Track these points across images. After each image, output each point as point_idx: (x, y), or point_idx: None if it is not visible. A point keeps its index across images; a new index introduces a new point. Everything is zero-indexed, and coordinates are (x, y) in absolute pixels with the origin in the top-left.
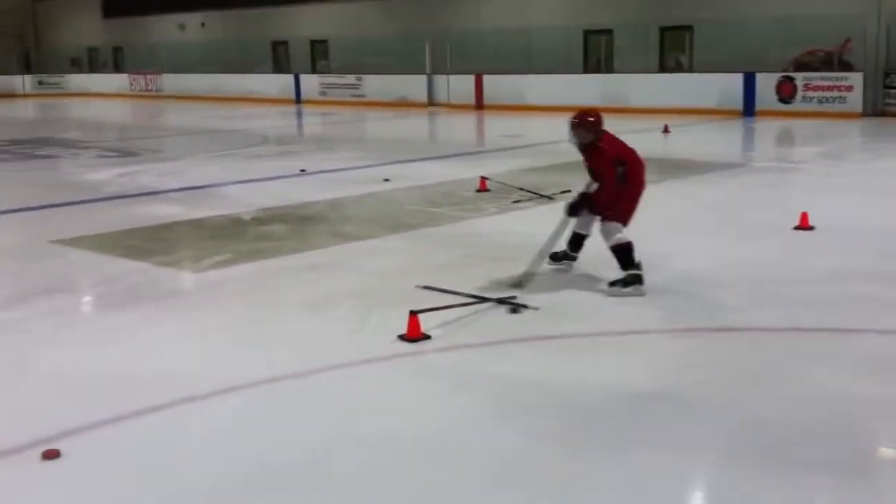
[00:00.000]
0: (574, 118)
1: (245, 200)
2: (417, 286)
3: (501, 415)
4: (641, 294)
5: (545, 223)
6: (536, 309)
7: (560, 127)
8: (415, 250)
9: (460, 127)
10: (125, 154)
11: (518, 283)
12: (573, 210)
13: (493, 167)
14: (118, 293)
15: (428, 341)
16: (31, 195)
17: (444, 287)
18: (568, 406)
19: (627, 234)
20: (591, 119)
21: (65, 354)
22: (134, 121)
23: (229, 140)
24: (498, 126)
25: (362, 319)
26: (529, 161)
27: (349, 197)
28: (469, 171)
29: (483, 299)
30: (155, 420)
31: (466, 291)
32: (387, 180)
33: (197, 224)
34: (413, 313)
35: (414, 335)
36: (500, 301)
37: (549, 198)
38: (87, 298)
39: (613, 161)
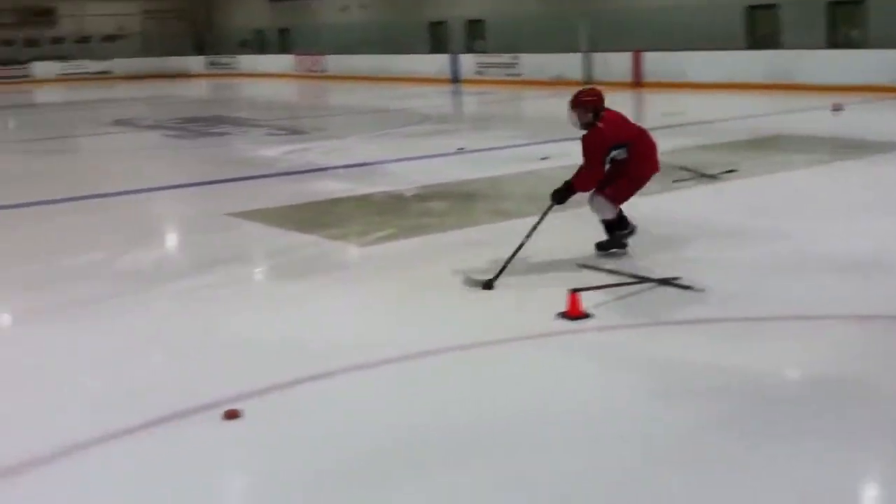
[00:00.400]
0: (572, 98)
1: (407, 177)
2: (578, 265)
3: (665, 397)
4: (621, 254)
5: (707, 203)
6: (702, 291)
7: (724, 105)
8: (574, 229)
9: (618, 105)
10: (293, 132)
11: (489, 284)
12: (558, 196)
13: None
14: (291, 264)
15: (588, 320)
16: (207, 171)
17: (604, 266)
18: (735, 391)
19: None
20: (590, 98)
21: (244, 320)
22: (300, 100)
23: (390, 119)
24: (657, 103)
25: (523, 296)
26: (691, 140)
27: (508, 175)
28: None
29: (644, 279)
30: (328, 385)
31: (627, 271)
32: (545, 158)
33: (362, 200)
34: (573, 291)
35: (574, 313)
36: (663, 282)
37: (713, 177)
38: (262, 269)
39: (606, 145)
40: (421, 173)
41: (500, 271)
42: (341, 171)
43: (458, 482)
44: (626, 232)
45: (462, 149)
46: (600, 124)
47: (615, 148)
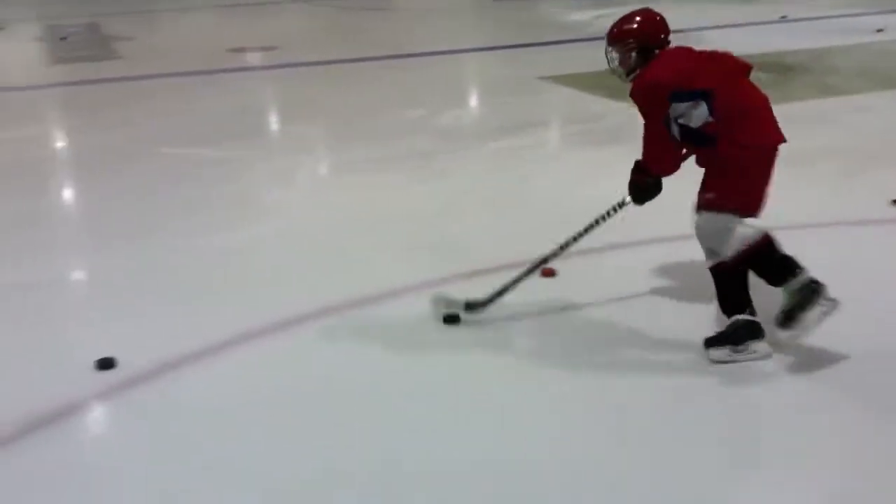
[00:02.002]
0: (608, 30)
1: (725, 46)
2: None
3: None
4: (766, 356)
5: None
6: None
7: None
8: None
9: None
10: None
11: (472, 306)
12: (636, 191)
13: None
14: (602, 131)
15: None
16: (518, 33)
17: None
18: None
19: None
20: (632, 28)
21: (555, 183)
22: None
23: None
24: None
25: (849, 179)
26: None
27: (835, 47)
28: None
29: None
30: (633, 254)
31: None
32: (880, 30)
33: None
34: None
35: None
36: None
37: None
38: (574, 133)
39: (659, 92)
40: (739, 42)
41: (499, 293)
42: None
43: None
44: (749, 318)
45: (785, 17)
46: (654, 63)
47: (679, 98)
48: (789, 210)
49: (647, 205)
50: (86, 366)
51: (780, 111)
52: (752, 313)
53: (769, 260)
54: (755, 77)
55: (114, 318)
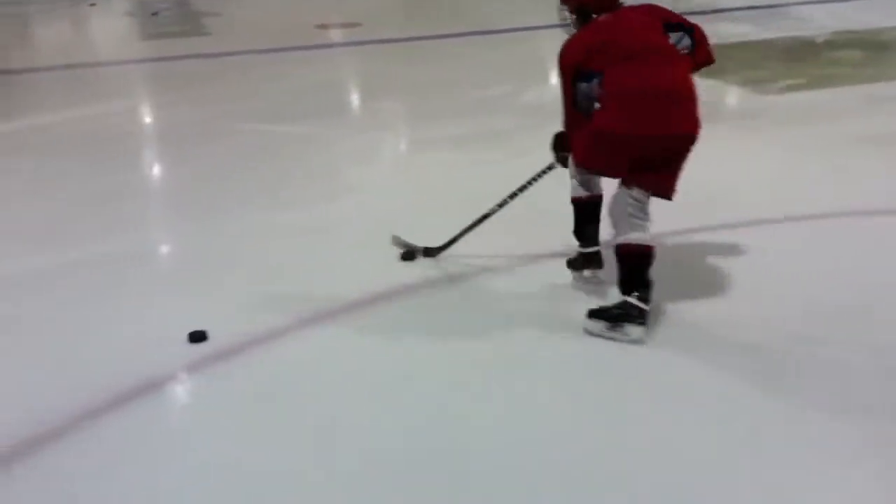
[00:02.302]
0: None
1: (817, 22)
2: None
3: None
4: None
5: None
6: None
7: None
8: None
9: None
10: None
11: (429, 252)
12: (558, 148)
13: None
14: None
15: None
16: None
17: None
18: None
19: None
20: None
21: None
22: None
23: None
24: None
25: None
26: None
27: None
28: None
29: None
30: (750, 232)
31: None
32: None
33: (766, 44)
34: None
35: None
36: None
37: None
38: None
39: (568, 62)
40: (833, 17)
41: (453, 240)
42: (741, 13)
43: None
44: (584, 251)
45: None
46: (589, 26)
47: (581, 77)
48: (880, 193)
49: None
50: (178, 339)
51: (870, 91)
52: (644, 300)
53: (583, 220)
54: (847, 55)
55: (201, 292)
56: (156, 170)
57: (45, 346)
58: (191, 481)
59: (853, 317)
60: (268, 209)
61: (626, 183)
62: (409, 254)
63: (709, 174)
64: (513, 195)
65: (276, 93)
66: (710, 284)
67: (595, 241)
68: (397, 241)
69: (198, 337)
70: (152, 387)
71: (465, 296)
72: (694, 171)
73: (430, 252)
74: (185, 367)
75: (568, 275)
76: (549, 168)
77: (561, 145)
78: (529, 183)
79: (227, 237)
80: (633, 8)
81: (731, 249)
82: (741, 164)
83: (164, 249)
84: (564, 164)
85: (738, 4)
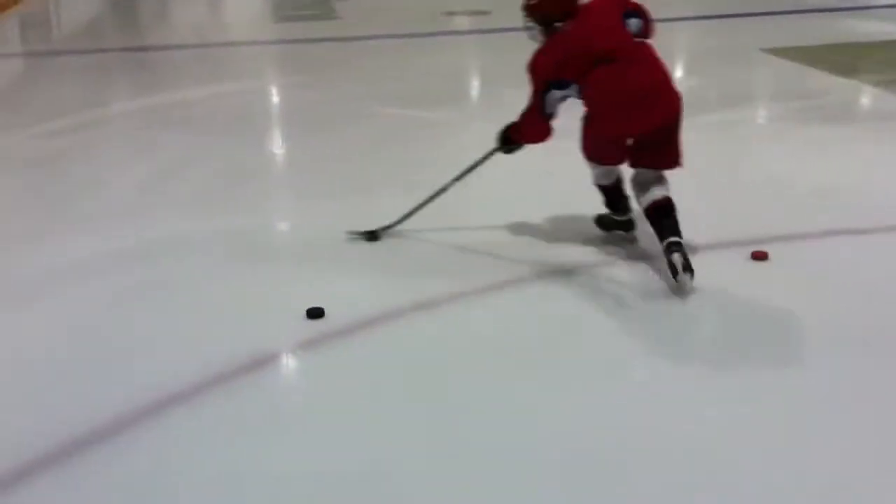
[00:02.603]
0: None
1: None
2: None
3: None
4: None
5: None
6: None
7: None
8: None
9: None
10: None
11: (374, 235)
12: (503, 140)
13: None
14: (826, 108)
15: None
16: (740, 3)
17: None
18: None
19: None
20: (532, 2)
21: (775, 160)
22: None
23: None
24: None
25: None
26: None
27: None
28: None
29: None
30: (861, 241)
31: None
32: None
33: None
34: None
35: None
36: None
37: None
38: (796, 109)
39: (542, 80)
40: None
41: (402, 219)
42: (882, 11)
43: None
44: (616, 219)
45: None
46: (557, 36)
47: (556, 86)
48: None
49: None
50: (298, 314)
51: None
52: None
53: (610, 197)
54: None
55: (324, 270)
56: (284, 150)
57: (180, 310)
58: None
59: None
60: (389, 195)
61: (633, 165)
62: (372, 234)
63: (846, 177)
64: (458, 177)
65: (402, 79)
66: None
67: (627, 211)
68: (354, 234)
69: (315, 314)
70: (269, 360)
71: (576, 289)
72: (825, 172)
73: (374, 235)
74: (300, 343)
75: (564, 275)
76: (491, 153)
77: (506, 138)
78: (472, 168)
79: (348, 222)
80: (592, 5)
81: (867, 254)
82: (878, 167)
83: (287, 228)
84: (507, 153)
85: (879, 3)
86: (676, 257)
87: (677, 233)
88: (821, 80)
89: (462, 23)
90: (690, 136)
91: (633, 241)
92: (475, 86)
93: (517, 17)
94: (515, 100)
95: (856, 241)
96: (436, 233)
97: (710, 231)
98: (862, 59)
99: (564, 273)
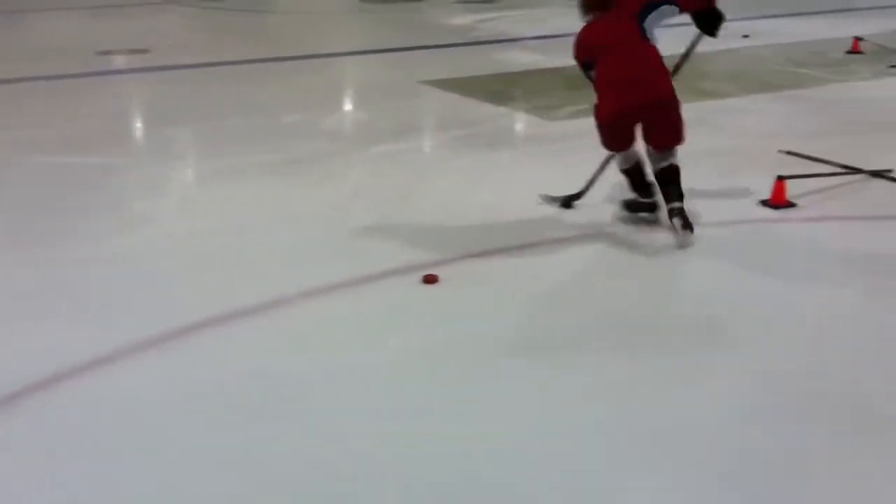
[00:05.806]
0: None
1: None
2: (780, 151)
3: (881, 292)
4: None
5: None
6: None
7: None
8: (777, 113)
9: None
10: (484, 0)
11: (567, 203)
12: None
13: (869, 27)
14: (483, 135)
15: (793, 209)
16: (399, 37)
17: (809, 154)
18: None
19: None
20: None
21: (438, 188)
22: None
23: None
24: None
25: (722, 180)
26: None
27: (705, 52)
28: (841, 29)
29: (855, 170)
30: (522, 254)
31: (835, 160)
32: (746, 36)
33: (554, 73)
34: (780, 178)
35: (778, 201)
36: (875, 174)
37: None
38: (455, 138)
39: (579, 52)
40: None
41: (588, 186)
42: (532, 42)
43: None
44: (641, 202)
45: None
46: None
47: (588, 66)
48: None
49: None
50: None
51: None
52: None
53: (635, 180)
54: None
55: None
56: None
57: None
58: None
59: None
60: (66, 242)
61: (646, 143)
62: (566, 201)
63: (504, 198)
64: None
65: (58, 122)
66: None
67: (650, 194)
68: (547, 198)
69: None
70: None
71: (272, 321)
72: (489, 194)
73: (572, 199)
74: None
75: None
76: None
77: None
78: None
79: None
80: (620, 2)
81: (532, 266)
82: (533, 187)
83: None
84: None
85: (528, 34)
86: (676, 220)
87: (679, 198)
88: (478, 108)
89: (119, 62)
90: (362, 167)
91: (656, 221)
92: (134, 127)
93: (178, 55)
94: (182, 140)
95: (524, 253)
96: (109, 282)
97: (383, 260)
98: (513, 87)
99: (261, 308)
